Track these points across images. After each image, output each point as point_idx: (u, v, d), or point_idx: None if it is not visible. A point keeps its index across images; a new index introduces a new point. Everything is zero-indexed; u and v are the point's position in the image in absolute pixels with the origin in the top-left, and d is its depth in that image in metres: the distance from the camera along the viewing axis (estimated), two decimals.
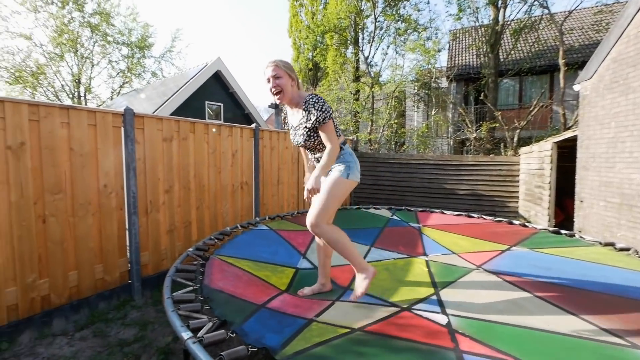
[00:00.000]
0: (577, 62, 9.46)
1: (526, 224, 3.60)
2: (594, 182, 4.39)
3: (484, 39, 9.86)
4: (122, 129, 2.78)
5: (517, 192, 6.06)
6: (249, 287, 2.14)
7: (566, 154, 5.30)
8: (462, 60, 13.00)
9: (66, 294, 2.42)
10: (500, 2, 9.12)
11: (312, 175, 1.84)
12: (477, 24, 9.86)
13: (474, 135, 8.95)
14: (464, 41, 13.82)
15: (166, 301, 1.71)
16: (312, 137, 1.97)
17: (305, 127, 1.95)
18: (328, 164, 1.88)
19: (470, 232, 3.44)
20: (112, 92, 16.96)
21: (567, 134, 5.03)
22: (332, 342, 1.51)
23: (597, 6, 9.54)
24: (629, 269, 2.33)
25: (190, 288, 1.93)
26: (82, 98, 15.82)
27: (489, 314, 1.85)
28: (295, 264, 2.73)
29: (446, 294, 2.14)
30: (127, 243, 2.84)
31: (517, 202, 6.06)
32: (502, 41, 9.75)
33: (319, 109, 1.85)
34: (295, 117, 2.05)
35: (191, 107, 9.90)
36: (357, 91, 11.05)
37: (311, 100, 1.89)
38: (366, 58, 10.73)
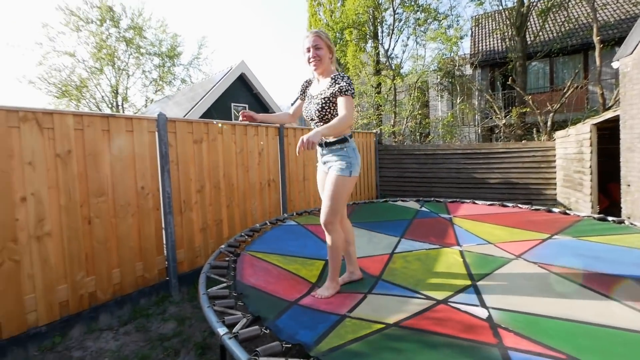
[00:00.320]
0: (614, 38, 8.81)
1: (567, 211, 3.41)
2: None
3: (508, 22, 9.35)
4: (156, 133, 2.90)
5: (554, 178, 5.73)
6: (280, 282, 2.15)
7: (607, 136, 4.94)
8: (486, 45, 12.51)
9: (110, 291, 2.55)
10: None
11: (315, 130, 1.73)
12: (500, 7, 9.38)
13: (503, 121, 8.56)
14: (487, 26, 13.29)
15: (202, 297, 1.75)
16: (325, 109, 1.95)
17: (325, 97, 1.95)
18: (336, 127, 1.82)
19: (506, 222, 3.29)
20: (146, 100, 17.89)
21: (608, 115, 4.68)
22: (367, 338, 1.48)
23: None
24: None
25: (224, 284, 1.98)
26: (120, 107, 16.87)
27: (534, 306, 1.74)
28: (324, 256, 2.71)
29: (484, 286, 2.05)
30: (164, 241, 2.96)
31: (555, 189, 5.73)
32: (528, 23, 9.22)
33: (347, 82, 1.90)
34: (317, 88, 2.06)
35: (218, 110, 10.29)
36: (379, 84, 10.87)
37: (341, 74, 1.96)
38: (386, 51, 10.53)
